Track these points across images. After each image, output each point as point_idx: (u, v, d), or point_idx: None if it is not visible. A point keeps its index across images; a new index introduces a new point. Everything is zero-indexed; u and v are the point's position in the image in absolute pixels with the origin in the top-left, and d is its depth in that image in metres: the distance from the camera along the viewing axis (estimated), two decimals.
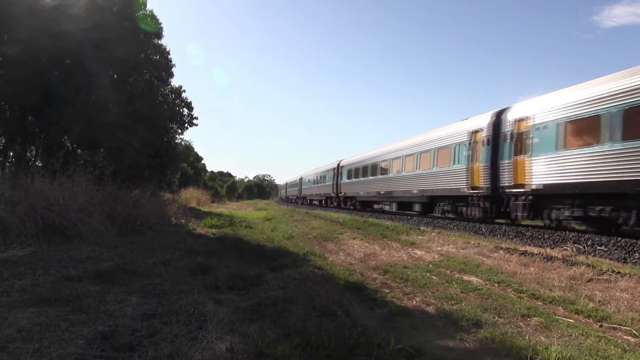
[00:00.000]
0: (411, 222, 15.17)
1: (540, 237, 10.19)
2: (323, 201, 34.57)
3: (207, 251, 6.76)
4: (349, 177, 26.71)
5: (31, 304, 3.37)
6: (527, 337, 3.52)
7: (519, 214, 11.84)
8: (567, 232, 10.23)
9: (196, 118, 16.35)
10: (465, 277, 6.19)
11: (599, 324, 4.20)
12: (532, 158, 11.26)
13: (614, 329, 4.04)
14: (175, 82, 15.69)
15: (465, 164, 14.07)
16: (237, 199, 61.58)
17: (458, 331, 3.66)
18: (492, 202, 13.08)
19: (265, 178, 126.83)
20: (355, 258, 7.94)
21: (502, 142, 12.64)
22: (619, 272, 6.05)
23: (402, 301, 4.78)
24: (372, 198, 22.74)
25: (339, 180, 28.78)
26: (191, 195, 24.98)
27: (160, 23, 13.82)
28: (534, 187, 11.13)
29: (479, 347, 3.34)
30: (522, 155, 11.69)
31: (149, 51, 13.45)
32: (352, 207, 26.29)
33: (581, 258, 7.36)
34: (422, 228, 12.94)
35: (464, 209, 14.57)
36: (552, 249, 8.57)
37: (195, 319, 3.20)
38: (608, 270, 6.20)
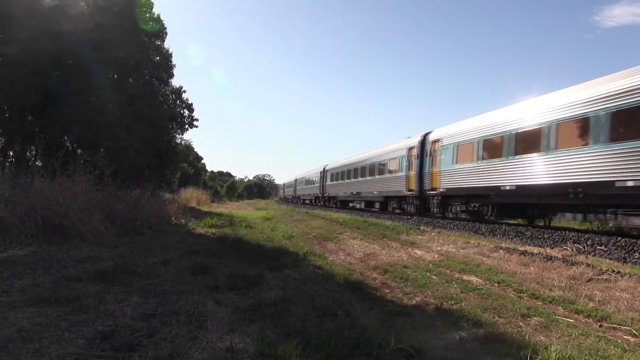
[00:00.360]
0: (411, 222, 15.18)
1: (540, 237, 10.20)
2: (313, 200, 39.21)
3: (207, 251, 6.75)
4: (331, 180, 31.18)
5: (31, 304, 3.37)
6: (527, 337, 3.52)
7: (434, 210, 16.28)
8: (567, 232, 10.26)
9: (196, 120, 16.40)
10: (465, 277, 6.19)
11: (599, 323, 4.20)
12: (440, 169, 15.60)
13: (614, 328, 4.05)
14: (175, 82, 15.72)
15: (405, 172, 18.41)
16: (237, 198, 61.57)
17: (458, 331, 3.66)
18: (420, 201, 17.41)
19: (265, 178, 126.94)
20: (355, 258, 7.94)
21: (426, 157, 16.90)
22: (618, 272, 6.05)
23: (402, 301, 4.78)
24: (347, 198, 27.43)
25: (324, 182, 33.41)
26: (191, 195, 24.96)
27: (165, 27, 13.88)
28: (442, 190, 15.46)
29: (479, 347, 3.34)
30: (435, 167, 16.06)
31: (150, 51, 13.45)
32: (333, 206, 30.69)
33: (581, 258, 7.36)
34: (422, 228, 12.94)
35: (405, 206, 18.93)
36: (552, 248, 8.57)
37: (195, 319, 3.20)
38: (608, 270, 6.20)
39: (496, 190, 12.52)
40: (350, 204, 28.02)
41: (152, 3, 13.18)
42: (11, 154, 11.42)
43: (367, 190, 23.10)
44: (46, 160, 8.32)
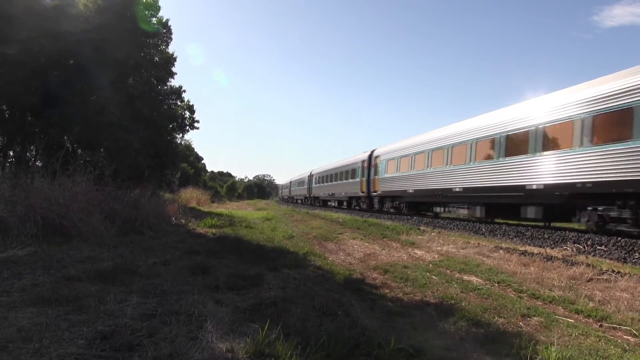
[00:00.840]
0: (411, 222, 15.18)
1: (540, 237, 10.20)
2: (302, 200, 45.90)
3: (207, 251, 6.75)
4: (315, 183, 37.67)
5: (31, 304, 3.37)
6: (527, 337, 3.52)
7: (376, 206, 22.61)
8: (567, 232, 10.26)
9: (197, 121, 16.38)
10: (465, 277, 6.19)
11: (599, 323, 4.20)
12: (378, 177, 21.77)
13: (614, 328, 4.05)
14: (175, 82, 15.70)
15: (359, 178, 25.00)
16: (237, 199, 61.55)
17: (458, 331, 3.67)
18: (369, 200, 23.87)
19: (265, 178, 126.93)
20: (355, 258, 7.94)
21: (371, 168, 23.07)
22: (618, 272, 6.05)
23: (402, 301, 4.78)
24: (326, 198, 34.24)
25: (311, 185, 39.62)
26: (191, 195, 24.96)
27: (172, 33, 13.93)
28: (379, 192, 21.67)
29: (479, 347, 3.34)
30: (376, 176, 22.17)
31: (150, 51, 13.45)
32: (317, 204, 36.94)
33: (581, 258, 7.36)
34: (422, 228, 12.94)
35: (361, 204, 25.67)
36: (552, 248, 8.57)
37: (195, 319, 3.20)
38: (608, 270, 6.20)
39: (405, 192, 18.82)
40: (328, 203, 34.75)
41: (159, 7, 13.23)
42: (11, 154, 11.42)
43: (338, 191, 29.91)
44: (46, 160, 8.31)
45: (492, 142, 13.14)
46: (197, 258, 5.99)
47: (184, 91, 15.85)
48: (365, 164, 23.95)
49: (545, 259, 7.22)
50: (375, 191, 22.37)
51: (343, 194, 28.54)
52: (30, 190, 6.91)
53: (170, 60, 14.25)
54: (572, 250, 8.12)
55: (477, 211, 14.30)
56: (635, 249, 7.84)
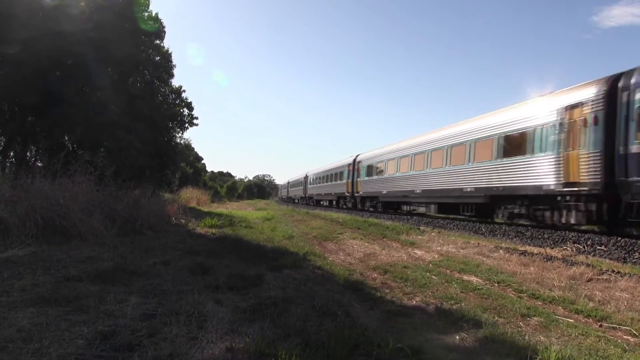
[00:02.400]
0: (411, 222, 15.18)
1: (540, 237, 10.20)
2: (299, 199, 49.85)
3: (207, 251, 6.75)
4: (310, 184, 41.53)
5: (31, 304, 3.37)
6: (527, 337, 3.52)
7: (359, 205, 26.20)
8: (567, 232, 10.26)
9: (196, 118, 16.40)
10: (465, 277, 6.19)
11: (599, 323, 4.20)
12: (360, 180, 25.52)
13: (614, 328, 4.05)
14: (175, 82, 15.70)
15: (346, 180, 28.39)
16: (237, 199, 61.54)
17: (458, 331, 3.67)
18: (353, 200, 27.50)
19: (265, 178, 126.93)
20: (355, 258, 7.95)
21: (355, 171, 26.69)
22: (618, 272, 6.05)
23: (402, 301, 4.78)
24: (319, 197, 37.87)
25: (307, 185, 43.52)
26: (191, 195, 24.97)
27: (164, 26, 13.89)
28: (361, 193, 25.46)
29: (479, 347, 3.34)
30: (358, 178, 25.98)
31: (150, 51, 13.46)
32: (311, 203, 40.52)
33: (581, 258, 7.36)
34: (422, 228, 12.94)
35: (347, 203, 29.19)
36: (552, 248, 8.57)
37: (195, 319, 3.20)
38: (608, 270, 6.20)
39: (380, 194, 22.28)
40: (321, 202, 38.18)
41: (149, 2, 13.17)
42: (12, 154, 11.43)
43: (329, 191, 33.64)
44: (47, 160, 8.31)
45: (441, 152, 15.95)
46: (197, 258, 6.00)
47: (184, 91, 15.85)
48: (351, 168, 27.54)
49: (545, 259, 7.22)
50: (358, 192, 26.23)
51: (333, 193, 32.45)
52: (30, 191, 6.91)
53: (167, 56, 14.24)
54: (572, 250, 8.12)
55: (432, 209, 17.41)
56: (635, 249, 7.84)
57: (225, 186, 67.05)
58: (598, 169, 9.48)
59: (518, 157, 11.97)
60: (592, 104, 9.75)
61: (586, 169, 9.73)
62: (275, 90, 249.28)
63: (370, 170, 24.01)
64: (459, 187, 14.63)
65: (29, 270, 4.55)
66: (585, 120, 9.86)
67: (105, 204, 8.45)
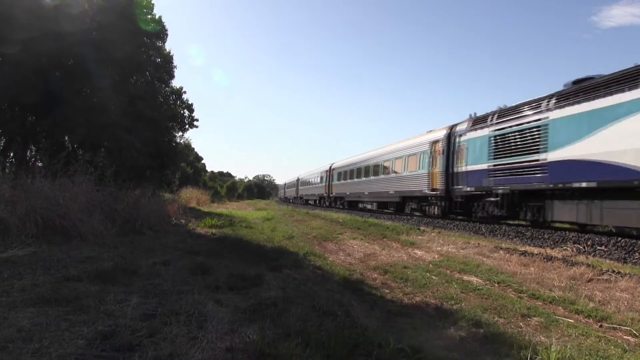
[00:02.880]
0: (411, 222, 15.18)
1: (540, 237, 10.20)
2: (292, 199, 55.81)
3: (207, 251, 6.75)
4: (301, 186, 48.18)
5: (31, 304, 3.37)
6: (527, 337, 3.52)
7: (332, 204, 32.28)
8: (567, 232, 10.26)
9: (197, 120, 16.39)
10: (465, 277, 6.19)
11: (599, 324, 4.20)
12: (333, 183, 31.83)
13: (614, 329, 4.05)
14: (175, 82, 15.71)
15: (324, 183, 34.98)
16: (237, 199, 61.52)
17: (458, 331, 3.66)
18: (329, 199, 33.73)
19: (265, 178, 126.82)
20: (355, 258, 7.95)
21: (330, 177, 32.79)
22: (619, 272, 6.05)
23: (402, 301, 4.78)
24: (308, 197, 43.82)
25: (298, 187, 49.89)
26: (191, 195, 24.96)
27: (167, 29, 13.93)
28: (334, 194, 31.87)
29: (479, 347, 3.34)
30: (332, 182, 32.23)
31: (151, 52, 13.46)
32: (302, 202, 46.13)
33: (581, 258, 7.36)
34: (422, 228, 12.94)
35: (325, 202, 35.48)
36: (552, 249, 8.57)
37: (195, 319, 3.20)
38: (608, 270, 6.20)
39: (345, 194, 28.78)
40: (308, 201, 43.85)
41: (153, 4, 13.24)
42: (12, 154, 11.42)
43: (313, 192, 40.31)
44: (47, 160, 8.30)
45: (378, 165, 22.84)
46: (197, 258, 6.00)
47: (185, 92, 15.85)
48: (327, 174, 34.09)
49: (545, 259, 7.22)
50: (332, 193, 33.01)
51: (316, 194, 39.12)
52: (30, 191, 6.91)
53: (168, 58, 14.26)
54: (572, 251, 8.12)
55: (374, 206, 24.02)
56: (635, 249, 7.84)
57: (225, 186, 67.02)
58: (444, 181, 15.37)
59: (413, 172, 18.07)
60: (441, 141, 15.80)
61: (439, 181, 15.66)
62: (275, 90, 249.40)
63: (339, 176, 30.70)
64: (386, 191, 21.01)
65: (29, 270, 4.54)
66: (439, 151, 15.88)
67: (105, 204, 8.45)
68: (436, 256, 8.12)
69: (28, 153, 11.32)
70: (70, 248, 6.12)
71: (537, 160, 10.61)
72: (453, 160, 14.77)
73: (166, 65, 14.20)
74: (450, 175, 14.89)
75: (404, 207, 19.62)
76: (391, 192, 20.17)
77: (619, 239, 8.54)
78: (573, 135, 9.51)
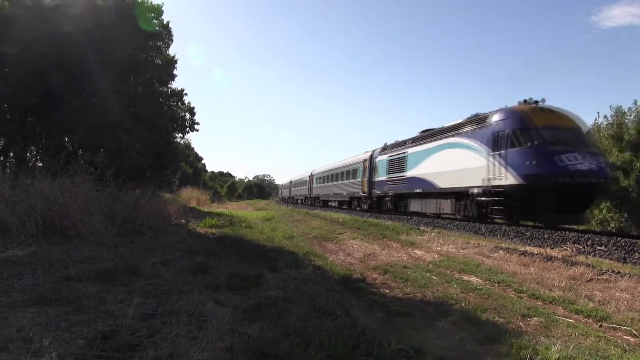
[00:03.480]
0: (411, 222, 15.17)
1: (540, 237, 10.20)
2: (286, 199, 62.92)
3: (207, 251, 6.75)
4: (292, 187, 55.71)
5: (31, 304, 3.37)
6: (527, 337, 3.52)
7: (313, 202, 39.63)
8: (567, 232, 10.26)
9: (197, 123, 16.38)
10: (465, 277, 6.19)
11: (599, 324, 4.20)
12: (313, 186, 39.49)
13: (614, 328, 4.05)
14: (176, 83, 15.73)
15: (307, 186, 42.68)
16: (237, 199, 61.52)
17: (458, 331, 3.67)
18: (311, 199, 40.92)
19: (265, 178, 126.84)
20: (355, 258, 7.95)
21: (311, 181, 40.78)
22: (619, 272, 6.06)
23: (402, 301, 4.78)
24: (297, 197, 50.49)
25: (291, 188, 57.30)
26: (191, 195, 24.93)
27: (172, 35, 14.02)
28: (313, 194, 39.64)
29: (479, 347, 3.34)
30: (312, 185, 40.11)
31: (152, 54, 13.47)
32: (292, 202, 53.21)
33: (581, 258, 7.36)
34: (422, 228, 12.93)
35: (308, 201, 42.66)
36: (552, 249, 8.57)
37: (195, 319, 3.20)
38: (608, 270, 6.20)
39: (320, 195, 36.05)
40: (298, 201, 50.29)
41: (162, 10, 13.35)
42: (12, 154, 11.42)
43: (300, 193, 47.93)
44: (47, 161, 8.30)
45: (337, 174, 30.24)
46: (197, 258, 5.99)
47: (186, 94, 15.80)
48: (309, 178, 41.93)
49: (545, 259, 7.22)
50: (312, 194, 40.29)
51: (302, 195, 46.72)
52: (30, 191, 6.91)
53: (171, 62, 14.27)
54: (572, 251, 8.12)
55: (336, 204, 31.19)
56: (635, 249, 7.84)
57: (225, 186, 67.01)
58: (368, 187, 22.85)
59: (356, 179, 25.37)
60: (367, 160, 23.20)
61: (366, 186, 22.99)
62: (276, 90, 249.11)
63: (317, 180, 38.29)
64: (342, 192, 29.03)
65: (29, 270, 4.54)
66: (366, 167, 23.05)
67: (105, 204, 8.45)
68: (436, 256, 8.12)
69: (28, 153, 11.33)
70: (70, 248, 6.11)
71: (403, 176, 18.20)
72: (372, 174, 22.79)
73: (166, 66, 14.18)
74: (370, 183, 22.97)
75: (351, 204, 27.40)
76: (344, 193, 28.45)
77: (619, 238, 8.55)
78: (415, 163, 17.06)
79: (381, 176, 20.91)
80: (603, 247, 8.36)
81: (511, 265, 7.04)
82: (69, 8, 10.32)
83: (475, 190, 12.92)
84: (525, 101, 12.40)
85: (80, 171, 8.24)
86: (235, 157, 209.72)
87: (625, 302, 4.82)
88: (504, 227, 11.88)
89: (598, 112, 28.18)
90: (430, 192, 15.54)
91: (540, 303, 4.91)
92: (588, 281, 5.87)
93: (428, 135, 16.45)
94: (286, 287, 4.63)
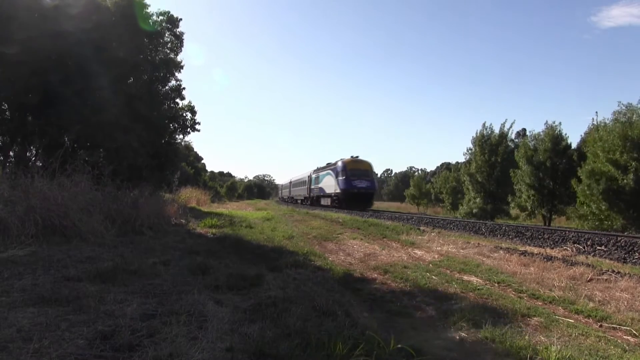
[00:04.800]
0: (411, 222, 15.17)
1: (540, 237, 10.21)
2: (285, 199, 69.19)
3: (207, 251, 6.75)
4: (291, 188, 58.60)
5: (31, 304, 3.37)
6: (527, 337, 3.52)
7: (290, 200, 53.16)
8: (566, 232, 10.28)
9: (198, 123, 16.30)
10: (465, 277, 6.19)
11: (599, 324, 4.20)
12: (290, 189, 53.42)
13: (614, 329, 4.05)
14: (175, 82, 15.60)
15: (288, 189, 55.89)
16: (237, 199, 61.56)
17: (458, 331, 3.67)
18: (289, 198, 54.28)
19: (265, 178, 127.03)
20: (355, 258, 7.95)
21: (290, 185, 53.83)
22: (619, 272, 6.06)
23: (402, 301, 4.78)
24: (295, 197, 52.73)
25: (282, 190, 66.16)
26: (191, 195, 24.93)
27: (183, 44, 14.22)
28: (291, 195, 51.82)
29: (479, 347, 3.34)
30: (289, 189, 54.02)
31: (150, 52, 13.45)
32: (292, 202, 56.25)
33: (581, 258, 7.36)
34: (422, 228, 12.94)
35: (286, 200, 57.20)
36: (552, 249, 8.57)
37: (195, 319, 3.20)
38: (608, 270, 6.20)
39: (293, 195, 49.30)
40: (297, 201, 53.84)
41: (179, 19, 13.77)
42: (11, 154, 11.41)
43: (300, 193, 49.13)
44: (46, 160, 8.28)
45: (299, 182, 44.01)
46: (197, 258, 5.99)
47: (184, 88, 15.63)
48: (286, 183, 56.37)
49: (545, 259, 7.22)
50: (291, 195, 50.86)
51: (286, 196, 56.29)
52: (29, 191, 6.90)
53: (177, 65, 14.30)
54: (572, 250, 8.12)
55: (299, 201, 43.19)
56: (635, 249, 7.84)
57: (225, 186, 67.02)
58: (307, 190, 38.45)
59: (304, 187, 39.95)
60: (311, 174, 36.93)
61: (309, 190, 37.62)
62: (276, 90, 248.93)
63: (289, 185, 52.28)
64: (302, 194, 41.63)
65: (29, 270, 4.54)
66: (310, 179, 37.22)
67: (105, 204, 8.45)
68: (436, 256, 8.12)
69: (27, 153, 11.32)
70: (70, 248, 6.11)
71: (317, 186, 33.50)
72: (310, 183, 36.65)
73: (166, 65, 14.13)
74: (311, 189, 36.59)
75: (304, 201, 40.38)
76: (304, 194, 40.70)
77: (619, 238, 8.55)
78: (319, 181, 32.98)
79: (313, 185, 35.82)
80: (603, 247, 8.36)
81: (511, 265, 7.04)
82: (69, 7, 10.31)
83: (334, 193, 28.15)
84: (352, 156, 27.49)
85: (79, 170, 8.23)
86: (235, 157, 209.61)
87: (625, 302, 4.82)
88: (504, 227, 11.89)
89: (596, 112, 28.18)
90: (324, 194, 31.26)
91: (540, 303, 4.91)
92: (588, 281, 5.87)
93: (323, 167, 32.60)
94: (286, 287, 4.63)
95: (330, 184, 28.95)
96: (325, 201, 31.29)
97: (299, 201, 44.97)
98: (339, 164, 26.84)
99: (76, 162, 8.43)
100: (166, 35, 13.66)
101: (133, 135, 11.33)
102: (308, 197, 38.33)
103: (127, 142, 11.02)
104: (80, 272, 4.54)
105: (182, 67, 14.50)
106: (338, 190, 26.43)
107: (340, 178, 26.10)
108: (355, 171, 25.65)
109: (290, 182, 54.84)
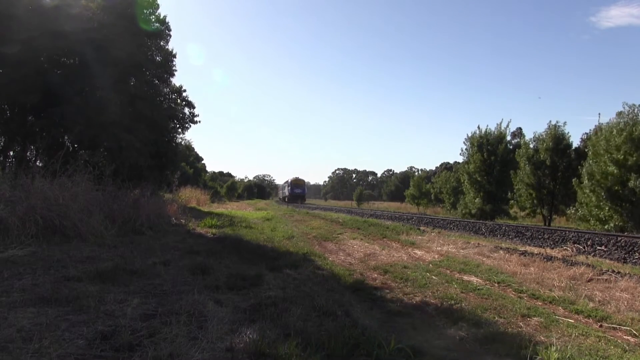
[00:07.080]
0: (411, 222, 15.17)
1: (540, 237, 10.21)
2: (283, 198, 74.42)
3: (207, 251, 6.75)
4: (280, 190, 72.77)
5: (31, 304, 3.37)
6: (527, 337, 3.52)
7: (284, 201, 63.71)
8: (567, 232, 10.28)
9: (197, 115, 16.31)
10: (465, 277, 6.19)
11: (599, 324, 4.20)
12: (283, 191, 67.12)
13: (614, 329, 4.05)
14: (175, 81, 15.66)
15: (282, 190, 71.99)
16: (237, 199, 61.54)
17: (458, 331, 3.66)
18: (282, 198, 69.39)
19: (265, 178, 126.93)
20: (355, 258, 7.95)
21: (285, 187, 66.50)
22: (619, 272, 6.06)
23: (402, 301, 4.78)
24: (286, 197, 61.35)
25: (278, 190, 77.69)
26: (191, 195, 24.94)
27: (170, 30, 13.99)
28: (283, 196, 66.17)
29: (479, 347, 3.34)
30: (284, 190, 67.18)
31: (151, 52, 13.45)
32: (281, 200, 65.81)
33: (581, 258, 7.36)
34: (422, 228, 12.94)
35: (280, 200, 72.08)
36: (552, 249, 8.57)
37: (195, 319, 3.20)
38: (608, 270, 6.20)
39: (283, 195, 65.32)
40: (286, 199, 63.35)
41: (158, 4, 13.29)
42: (11, 154, 11.40)
43: (282, 195, 64.45)
44: (47, 160, 8.27)
45: (284, 186, 66.35)
46: (197, 258, 5.99)
47: (184, 90, 15.75)
48: (284, 184, 64.62)
49: (545, 259, 7.22)
50: (285, 196, 59.31)
51: (282, 196, 63.42)
52: (30, 191, 6.90)
53: (170, 57, 14.24)
54: (572, 251, 8.12)
55: (286, 200, 57.40)
56: (635, 249, 7.84)
57: (225, 186, 66.99)
58: (282, 195, 66.50)
59: (284, 190, 63.19)
60: (289, 181, 60.77)
61: (287, 193, 59.47)
62: (276, 91, 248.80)
63: (284, 186, 63.17)
64: (285, 195, 60.86)
65: (29, 270, 4.54)
66: (288, 185, 59.74)
67: (105, 204, 8.45)
68: (436, 256, 8.12)
69: (28, 153, 11.31)
70: (70, 248, 6.11)
71: (281, 191, 71.76)
72: (285, 187, 62.22)
73: (167, 64, 14.14)
74: (288, 193, 57.37)
75: (284, 199, 57.62)
76: (285, 195, 57.81)
77: (619, 238, 8.55)
78: (282, 188, 67.82)
79: (281, 190, 63.05)
80: (603, 247, 8.36)
81: (511, 265, 7.04)
82: (70, 7, 10.31)
83: (287, 195, 57.69)
84: (296, 177, 59.37)
85: (80, 170, 8.23)
86: (236, 157, 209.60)
87: (625, 302, 4.82)
88: (504, 227, 11.89)
89: (599, 114, 28.09)
90: (284, 195, 59.09)
91: (540, 303, 4.91)
92: (588, 281, 5.87)
93: (286, 181, 61.98)
94: (286, 287, 4.63)
95: (285, 190, 60.26)
96: (284, 198, 59.40)
97: (283, 199, 65.12)
98: (289, 180, 59.21)
99: (77, 162, 8.43)
100: (151, 20, 13.42)
101: (135, 135, 11.33)
102: (285, 197, 59.88)
103: (129, 141, 11.01)
104: (80, 272, 4.54)
105: (174, 55, 14.45)
106: (287, 194, 56.83)
107: (288, 188, 57.61)
108: (295, 184, 56.73)
109: (282, 185, 72.76)
